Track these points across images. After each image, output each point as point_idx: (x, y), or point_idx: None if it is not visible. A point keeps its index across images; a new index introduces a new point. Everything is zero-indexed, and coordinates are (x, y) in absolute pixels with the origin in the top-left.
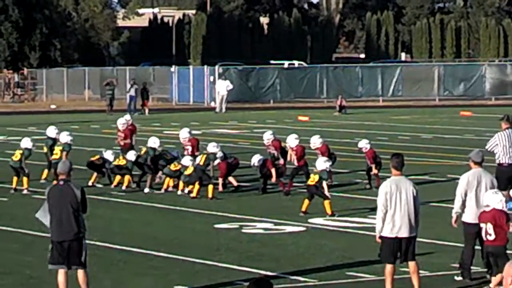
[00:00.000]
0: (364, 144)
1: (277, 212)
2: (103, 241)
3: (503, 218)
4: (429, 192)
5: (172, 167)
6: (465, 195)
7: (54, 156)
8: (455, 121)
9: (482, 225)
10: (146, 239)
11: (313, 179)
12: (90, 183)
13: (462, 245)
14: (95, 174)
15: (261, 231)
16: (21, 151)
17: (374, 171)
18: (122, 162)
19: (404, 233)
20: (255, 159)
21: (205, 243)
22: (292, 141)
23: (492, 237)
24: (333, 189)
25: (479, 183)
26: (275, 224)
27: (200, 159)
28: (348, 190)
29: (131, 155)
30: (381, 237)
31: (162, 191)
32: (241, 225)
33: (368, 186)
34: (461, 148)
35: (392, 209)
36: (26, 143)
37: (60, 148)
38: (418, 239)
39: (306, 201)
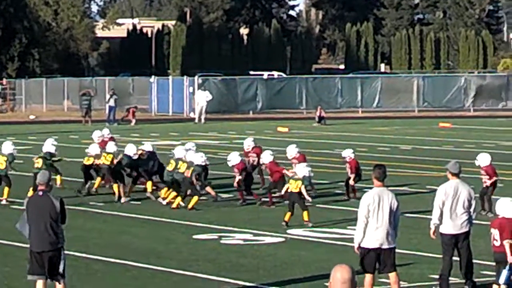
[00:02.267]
0: (348, 153)
1: (256, 223)
2: (82, 252)
3: (510, 227)
4: (408, 203)
5: (169, 167)
6: (443, 206)
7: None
8: (434, 133)
9: (492, 230)
10: (125, 250)
11: (296, 185)
12: (94, 189)
13: (441, 256)
14: (98, 179)
15: (240, 242)
16: (5, 158)
17: (351, 182)
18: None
19: (384, 244)
20: (234, 158)
21: (184, 254)
22: (266, 158)
23: (497, 243)
24: (313, 200)
25: (456, 194)
26: (254, 235)
27: (185, 171)
28: (328, 201)
29: (111, 146)
30: (362, 247)
31: (164, 202)
32: (220, 235)
33: (345, 198)
34: (440, 159)
35: (374, 220)
36: (8, 148)
37: (5, 158)
38: (397, 250)
39: (289, 213)
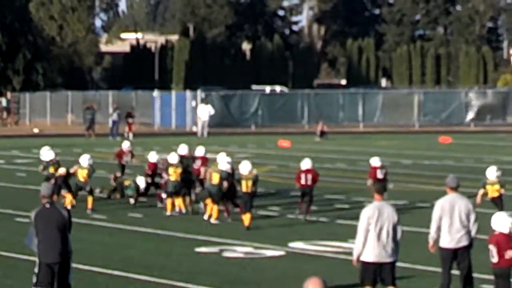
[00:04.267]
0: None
1: (257, 236)
2: (85, 264)
3: (507, 242)
4: (408, 217)
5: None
6: (440, 220)
7: None
8: (435, 147)
9: (490, 246)
10: (128, 263)
11: (247, 185)
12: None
13: (440, 269)
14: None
15: (242, 255)
16: (85, 171)
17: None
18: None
19: (384, 258)
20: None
21: (186, 267)
22: (244, 169)
23: (495, 259)
24: (314, 213)
25: (454, 208)
26: (255, 248)
27: (213, 177)
28: (329, 215)
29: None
30: (362, 261)
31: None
32: (222, 249)
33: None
34: (440, 174)
35: (374, 233)
36: (86, 160)
37: (86, 171)
38: (397, 264)
39: (248, 215)
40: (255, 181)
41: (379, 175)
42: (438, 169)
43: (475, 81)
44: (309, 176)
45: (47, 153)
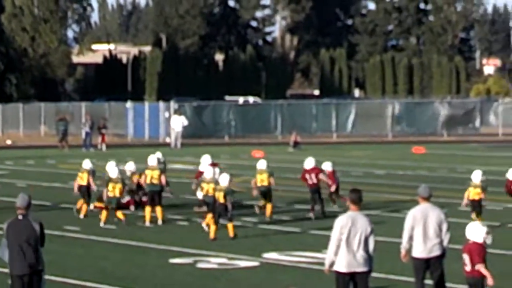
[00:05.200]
0: (327, 166)
1: (231, 246)
2: (58, 276)
3: (478, 251)
4: (382, 227)
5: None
6: (412, 230)
7: None
8: (408, 157)
9: (463, 255)
10: (102, 274)
11: (218, 196)
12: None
13: (414, 279)
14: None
15: (216, 266)
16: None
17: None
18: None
19: (357, 267)
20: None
21: (160, 278)
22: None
23: (468, 268)
24: (289, 223)
25: (426, 218)
26: (229, 258)
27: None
28: (302, 225)
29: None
30: (335, 271)
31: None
32: (196, 260)
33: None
34: (413, 183)
35: (347, 243)
36: (88, 164)
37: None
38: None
39: (214, 227)
40: (227, 193)
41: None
42: (411, 179)
43: (448, 91)
44: (313, 175)
45: (130, 165)
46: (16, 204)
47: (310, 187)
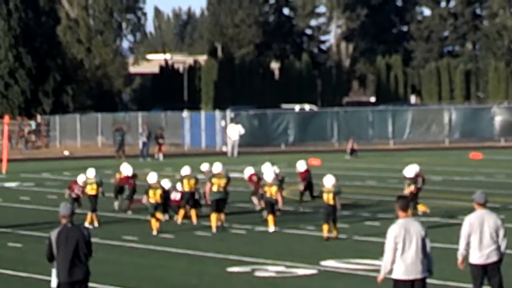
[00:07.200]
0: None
1: (289, 255)
2: (117, 286)
3: None
4: (439, 234)
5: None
6: (469, 236)
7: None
8: (465, 163)
9: None
10: (160, 283)
11: (328, 197)
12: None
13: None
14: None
15: (274, 274)
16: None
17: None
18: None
19: (415, 274)
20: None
21: (218, 287)
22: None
23: None
24: (344, 231)
25: (482, 224)
26: (287, 267)
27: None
28: (360, 232)
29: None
30: (393, 279)
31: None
32: (254, 268)
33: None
34: (471, 190)
35: (403, 251)
36: (93, 173)
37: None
38: (430, 281)
39: (327, 226)
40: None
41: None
42: (468, 185)
43: (505, 96)
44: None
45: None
46: (60, 213)
47: None
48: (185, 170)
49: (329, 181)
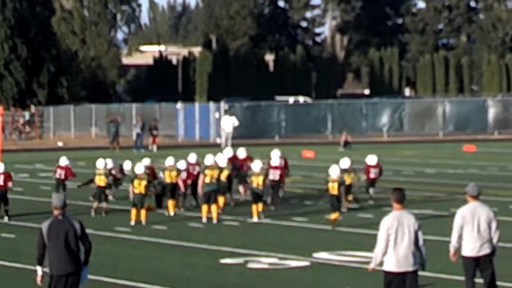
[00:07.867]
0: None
1: (282, 246)
2: (110, 277)
3: None
4: (433, 226)
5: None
6: (462, 228)
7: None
8: (459, 156)
9: None
10: (153, 275)
11: (332, 187)
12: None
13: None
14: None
15: (266, 266)
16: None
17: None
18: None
19: (407, 267)
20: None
21: (211, 279)
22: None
23: None
24: (338, 223)
25: (475, 217)
26: (280, 258)
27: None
28: (352, 224)
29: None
30: (384, 271)
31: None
32: (246, 260)
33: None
34: (464, 182)
35: (395, 243)
36: (103, 164)
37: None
38: (422, 273)
39: (336, 215)
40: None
41: (372, 174)
42: (462, 177)
43: (499, 89)
44: (376, 170)
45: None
46: (52, 204)
47: (369, 180)
48: (169, 161)
49: (335, 171)
